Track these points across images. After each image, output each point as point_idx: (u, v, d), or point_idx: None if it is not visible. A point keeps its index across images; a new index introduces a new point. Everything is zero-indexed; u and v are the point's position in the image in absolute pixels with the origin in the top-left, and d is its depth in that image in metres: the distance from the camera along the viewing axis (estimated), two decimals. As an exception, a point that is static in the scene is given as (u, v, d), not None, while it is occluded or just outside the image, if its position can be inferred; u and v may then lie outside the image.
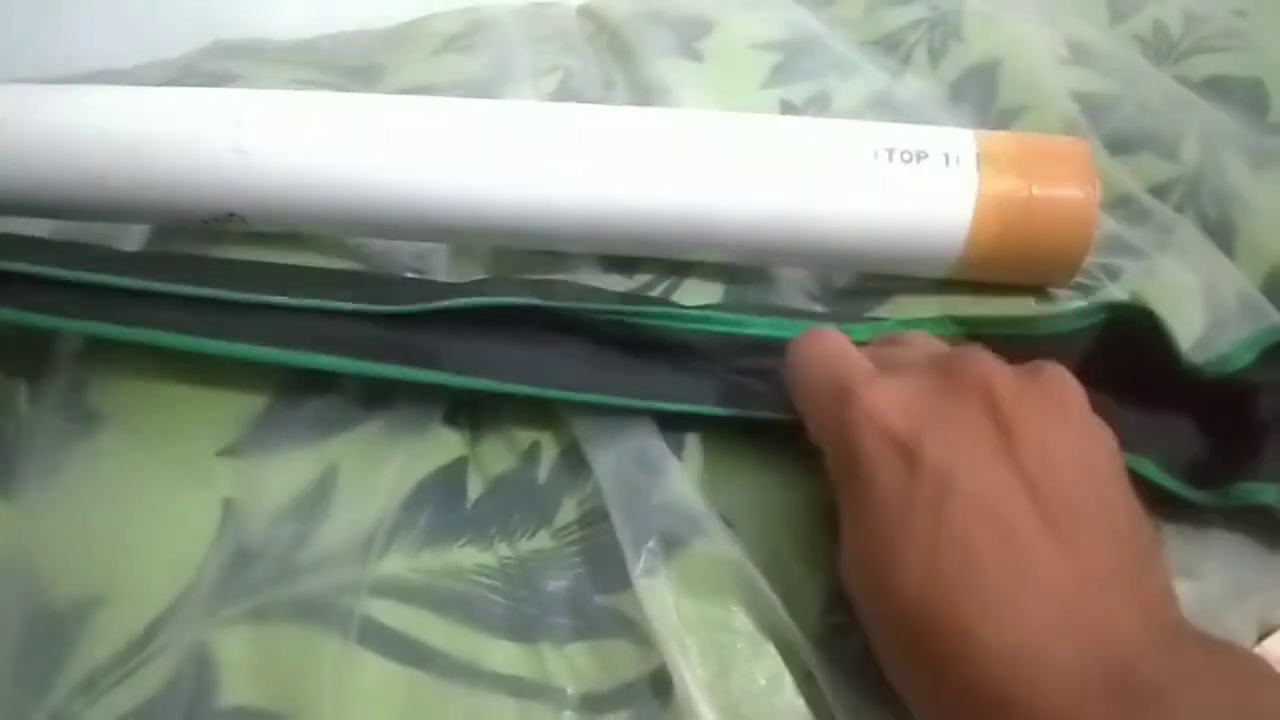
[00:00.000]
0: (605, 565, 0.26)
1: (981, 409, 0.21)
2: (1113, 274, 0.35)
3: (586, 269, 0.34)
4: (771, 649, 0.25)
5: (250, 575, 0.26)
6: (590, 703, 0.24)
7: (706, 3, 0.51)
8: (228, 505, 0.27)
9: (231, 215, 0.33)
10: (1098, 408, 0.23)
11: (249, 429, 0.29)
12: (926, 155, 0.31)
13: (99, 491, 0.28)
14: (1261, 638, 0.28)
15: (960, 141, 0.31)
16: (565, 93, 0.44)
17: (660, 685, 0.24)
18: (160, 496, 0.28)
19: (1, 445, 0.28)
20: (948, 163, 0.31)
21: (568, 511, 0.28)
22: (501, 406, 0.30)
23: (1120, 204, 0.39)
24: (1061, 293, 0.34)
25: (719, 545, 0.25)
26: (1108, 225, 0.37)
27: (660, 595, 0.25)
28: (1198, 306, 0.34)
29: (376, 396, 0.30)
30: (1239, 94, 0.45)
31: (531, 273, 0.34)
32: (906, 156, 0.31)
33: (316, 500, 0.27)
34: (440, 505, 0.28)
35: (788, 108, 0.43)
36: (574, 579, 0.26)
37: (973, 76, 0.46)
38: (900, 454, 0.21)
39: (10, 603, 0.25)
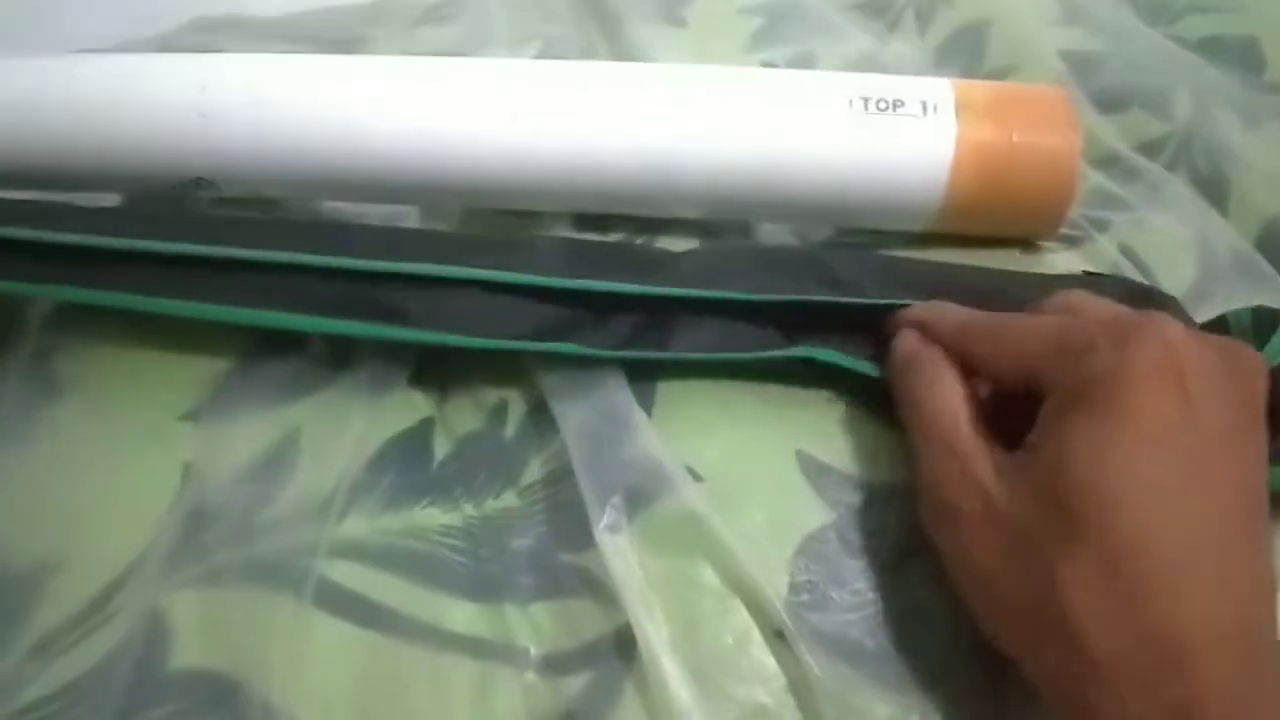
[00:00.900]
0: (570, 523, 0.25)
1: (1248, 396, 0.23)
2: (1100, 226, 0.34)
3: (560, 228, 0.34)
4: (739, 606, 0.24)
5: (206, 538, 0.25)
6: (553, 663, 0.24)
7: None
8: (187, 469, 0.27)
9: (199, 180, 0.33)
10: None
11: (212, 393, 0.29)
12: (903, 103, 0.30)
13: (61, 458, 0.28)
14: None
15: (938, 90, 0.31)
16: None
17: (624, 644, 0.23)
18: (120, 462, 0.27)
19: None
20: (925, 111, 0.30)
21: (534, 469, 0.27)
22: (469, 364, 0.29)
23: (1108, 162, 0.38)
24: (1048, 245, 0.33)
25: (685, 501, 0.25)
26: (1095, 180, 0.36)
27: (624, 552, 0.24)
28: (1189, 257, 0.33)
29: (342, 358, 0.29)
30: (1234, 53, 0.44)
31: (503, 233, 0.33)
32: (882, 105, 0.30)
33: (277, 463, 0.27)
34: (405, 467, 0.27)
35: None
36: (538, 537, 0.25)
37: (960, 38, 0.45)
38: (1178, 387, 0.22)
39: (-34, 567, 0.25)
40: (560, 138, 0.31)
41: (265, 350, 0.29)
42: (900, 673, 0.24)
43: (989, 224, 0.31)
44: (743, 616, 0.24)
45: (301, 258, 0.28)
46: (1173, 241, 0.34)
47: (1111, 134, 0.39)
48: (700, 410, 0.28)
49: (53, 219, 0.29)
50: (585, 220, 0.34)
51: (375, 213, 0.35)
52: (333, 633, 0.24)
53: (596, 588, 0.24)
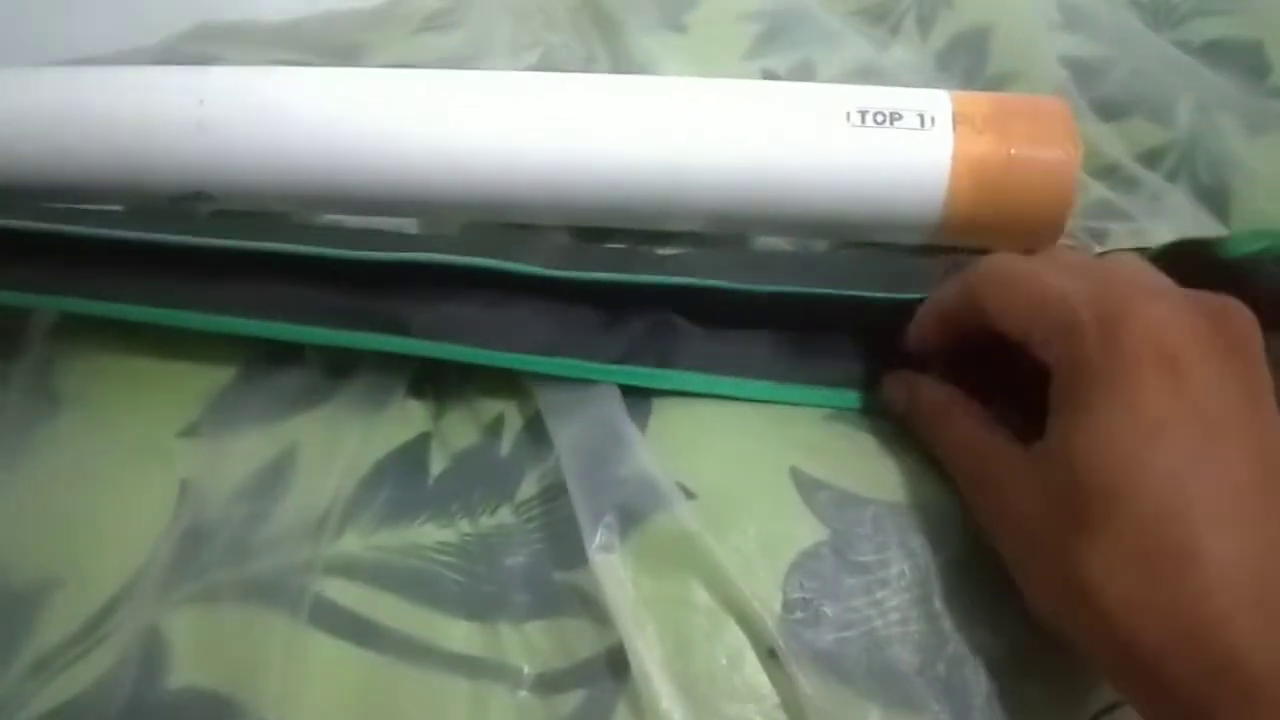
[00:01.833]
0: (565, 540, 0.25)
1: (1245, 359, 0.22)
2: (1099, 237, 0.34)
3: (558, 240, 0.34)
4: (732, 624, 0.24)
5: (203, 556, 0.25)
6: (546, 682, 0.24)
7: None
8: (184, 486, 0.27)
9: (199, 194, 0.33)
10: None
11: (210, 408, 0.29)
12: (900, 116, 0.30)
13: (60, 474, 0.28)
14: None
15: (935, 102, 0.30)
16: (545, 68, 0.43)
17: (618, 664, 0.23)
18: (119, 478, 0.28)
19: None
20: (922, 124, 0.30)
21: (530, 486, 0.27)
22: (466, 378, 0.29)
23: (1107, 172, 0.37)
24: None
25: (678, 519, 0.24)
26: (1094, 191, 0.36)
27: (616, 571, 0.24)
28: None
29: (340, 371, 0.29)
30: (1239, 57, 0.43)
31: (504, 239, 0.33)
32: (880, 118, 0.30)
33: (274, 479, 0.27)
34: (400, 482, 0.27)
35: (770, 78, 0.42)
36: (533, 555, 0.26)
37: (961, 44, 0.45)
38: (1172, 372, 0.22)
39: (-33, 585, 0.25)
40: (557, 151, 0.31)
41: (263, 364, 0.30)
42: (898, 692, 0.24)
43: (987, 237, 0.31)
44: (736, 635, 0.24)
45: (302, 249, 0.28)
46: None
47: (1112, 142, 0.39)
48: (695, 426, 0.28)
49: (53, 220, 0.29)
50: (582, 234, 0.34)
51: (375, 225, 0.35)
52: (328, 651, 0.24)
53: (590, 606, 0.24)
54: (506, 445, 0.28)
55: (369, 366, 0.29)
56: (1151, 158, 0.39)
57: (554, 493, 0.26)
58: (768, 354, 0.29)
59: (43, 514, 0.27)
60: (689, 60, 0.43)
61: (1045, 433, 0.23)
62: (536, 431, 0.28)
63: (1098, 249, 0.33)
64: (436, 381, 0.29)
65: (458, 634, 0.24)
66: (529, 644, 0.24)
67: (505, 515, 0.26)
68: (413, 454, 0.28)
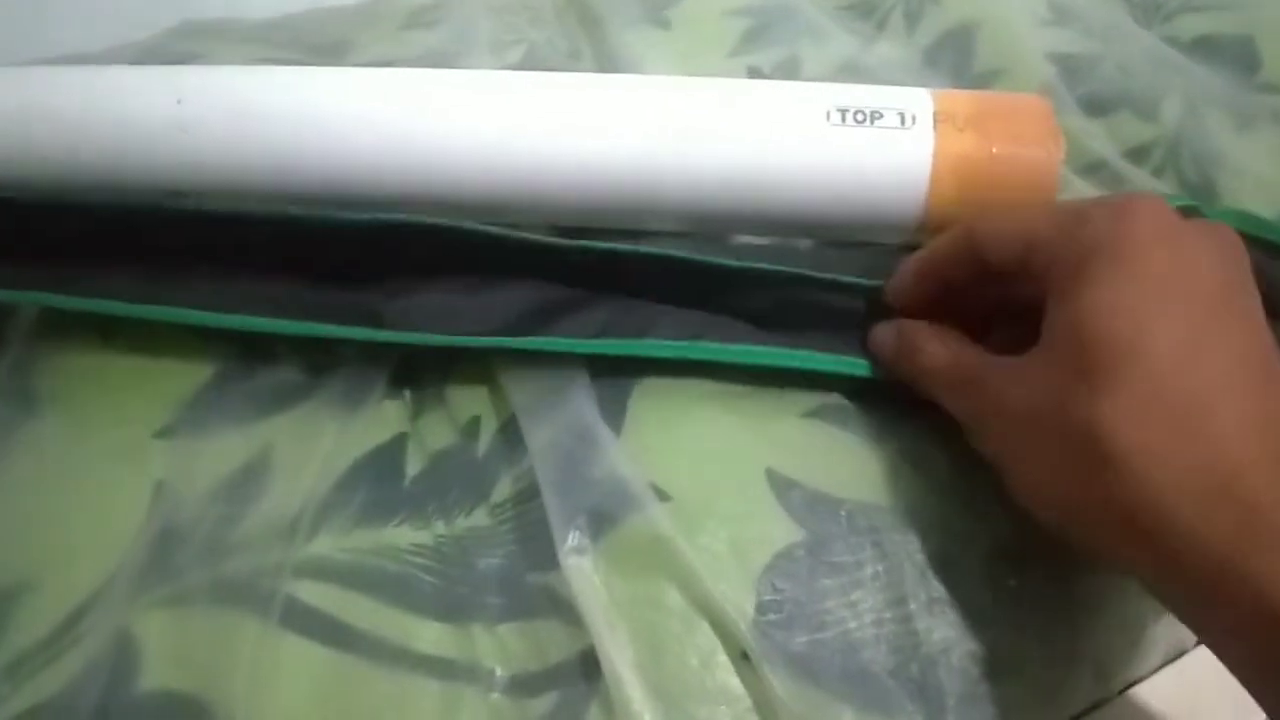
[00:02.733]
0: (539, 542, 0.25)
1: (1236, 257, 0.24)
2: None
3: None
4: (705, 626, 0.24)
5: (177, 558, 0.25)
6: (519, 684, 0.24)
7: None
8: (159, 488, 0.27)
9: (179, 195, 0.33)
10: None
11: (186, 410, 0.29)
12: (881, 115, 0.30)
13: (35, 476, 0.28)
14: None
15: (917, 100, 0.30)
16: (529, 65, 0.43)
17: (590, 666, 0.23)
18: (94, 480, 0.28)
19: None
20: (904, 122, 0.30)
21: (505, 487, 0.27)
22: (444, 378, 0.29)
23: (1094, 169, 0.37)
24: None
25: (651, 521, 0.24)
26: (1079, 188, 0.36)
27: (588, 574, 0.24)
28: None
29: (316, 373, 0.29)
30: (1229, 53, 0.43)
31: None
32: (860, 117, 0.30)
33: (249, 481, 0.27)
34: (376, 484, 0.27)
35: (754, 75, 0.42)
36: (507, 557, 0.25)
37: (949, 40, 0.44)
38: (1176, 250, 0.23)
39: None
40: (538, 150, 0.31)
41: (240, 364, 0.30)
42: (871, 693, 0.24)
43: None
44: (708, 637, 0.24)
45: (291, 212, 0.28)
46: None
47: (1100, 138, 0.39)
48: (671, 426, 0.28)
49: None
50: (562, 234, 0.33)
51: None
52: (299, 653, 0.24)
53: (563, 608, 0.24)
54: (483, 446, 0.28)
55: (346, 367, 0.29)
56: (1138, 154, 0.39)
57: (529, 494, 0.26)
58: (743, 330, 0.29)
59: (17, 516, 0.27)
60: (675, 57, 0.43)
61: (1043, 328, 0.24)
62: (513, 433, 0.27)
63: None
64: (414, 383, 0.29)
65: (430, 636, 0.24)
66: (502, 646, 0.24)
67: (481, 517, 0.26)
68: (389, 455, 0.28)
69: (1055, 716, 0.27)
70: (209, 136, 0.32)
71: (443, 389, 0.29)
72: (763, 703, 0.23)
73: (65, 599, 0.25)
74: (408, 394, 0.29)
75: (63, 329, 0.30)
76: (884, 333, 0.29)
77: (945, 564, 0.26)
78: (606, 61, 0.43)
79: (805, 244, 0.34)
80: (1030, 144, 0.30)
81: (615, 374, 0.28)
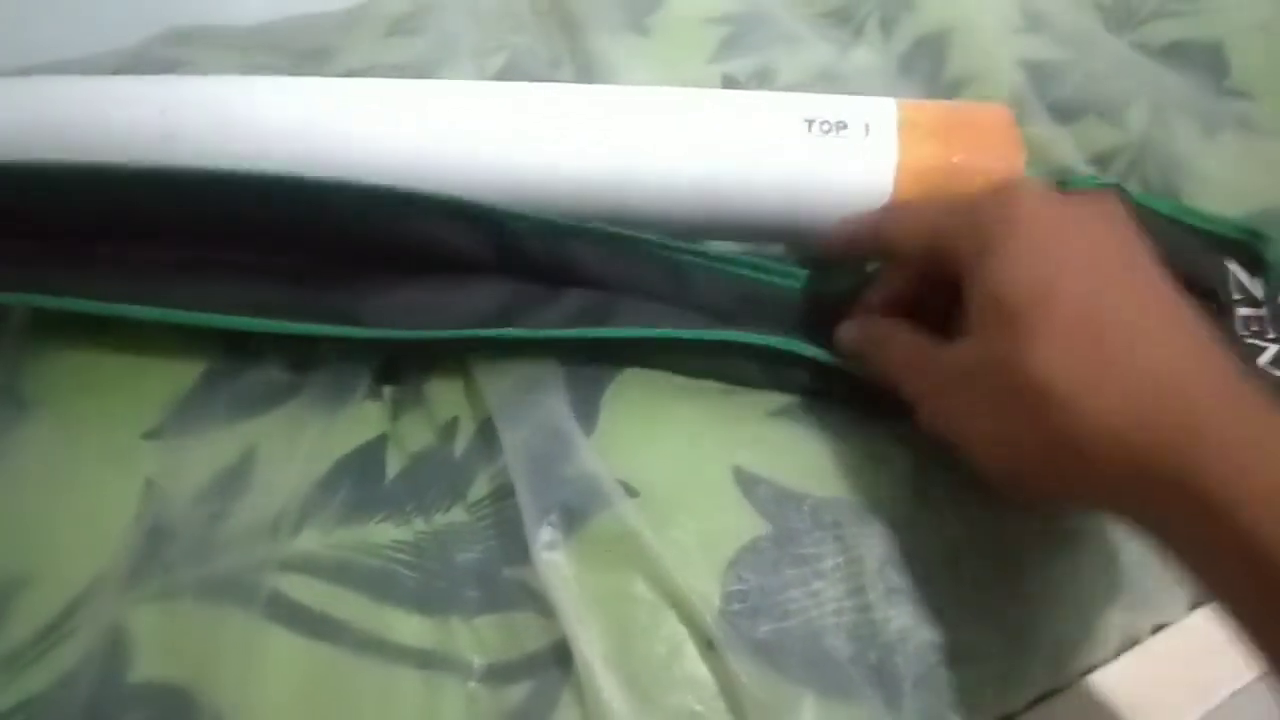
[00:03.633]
0: (515, 537, 0.26)
1: (1117, 212, 0.26)
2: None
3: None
4: (672, 618, 0.25)
5: (166, 555, 0.26)
6: (496, 673, 0.25)
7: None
8: (149, 487, 0.28)
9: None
10: None
11: (174, 411, 0.30)
12: (846, 125, 0.31)
13: (27, 476, 0.29)
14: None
15: (881, 110, 0.31)
16: (511, 72, 0.44)
17: (563, 655, 0.24)
18: (85, 480, 0.28)
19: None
20: (867, 132, 0.31)
21: (482, 485, 0.28)
22: (423, 379, 0.30)
23: (1059, 175, 0.38)
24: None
25: (620, 516, 0.25)
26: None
27: (560, 569, 0.25)
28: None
29: (300, 374, 0.30)
30: (1198, 58, 0.44)
31: None
32: (826, 127, 0.31)
33: (235, 480, 0.28)
34: (358, 482, 0.28)
35: (730, 82, 0.43)
36: (484, 552, 0.26)
37: (923, 47, 0.45)
38: (1067, 220, 0.25)
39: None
40: (515, 157, 0.32)
41: (226, 366, 0.30)
42: (831, 679, 0.25)
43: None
44: (675, 627, 0.25)
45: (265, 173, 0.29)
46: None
47: (1067, 145, 0.40)
48: (642, 425, 0.29)
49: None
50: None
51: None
52: (285, 645, 0.25)
53: (538, 601, 0.25)
54: (461, 446, 0.29)
55: (328, 369, 0.30)
56: (1104, 160, 0.40)
57: (505, 492, 0.27)
58: (703, 321, 0.30)
59: (10, 514, 0.28)
60: (653, 64, 0.44)
61: (967, 308, 0.25)
62: (490, 434, 0.28)
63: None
64: (394, 384, 0.30)
65: (411, 628, 0.25)
66: (479, 637, 0.25)
67: (458, 514, 0.27)
68: (371, 454, 0.29)
69: (1011, 702, 0.28)
70: (192, 144, 0.32)
71: (422, 390, 0.30)
72: (728, 689, 0.24)
73: (58, 595, 0.26)
74: (388, 395, 0.30)
75: (52, 332, 0.31)
76: (848, 329, 0.30)
77: (903, 556, 0.27)
78: (588, 67, 0.44)
79: (775, 251, 0.35)
80: (991, 154, 0.31)
81: (588, 374, 0.29)
